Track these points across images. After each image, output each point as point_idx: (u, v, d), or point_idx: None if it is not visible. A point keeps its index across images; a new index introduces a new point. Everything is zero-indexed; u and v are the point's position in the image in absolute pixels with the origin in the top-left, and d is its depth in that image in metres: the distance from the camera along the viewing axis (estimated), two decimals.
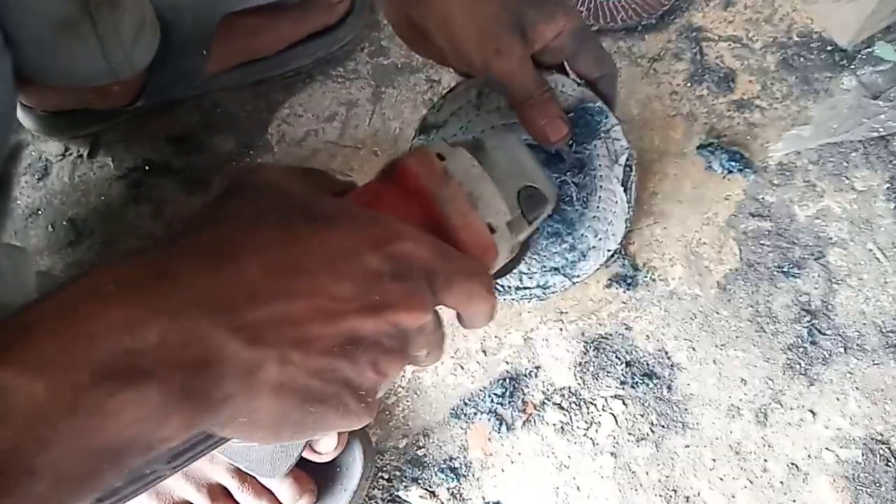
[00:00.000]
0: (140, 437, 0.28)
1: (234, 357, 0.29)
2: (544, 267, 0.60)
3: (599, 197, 0.59)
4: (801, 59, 0.78)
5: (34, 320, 0.27)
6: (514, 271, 0.58)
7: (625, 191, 0.58)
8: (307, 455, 0.62)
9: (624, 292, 0.70)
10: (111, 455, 0.27)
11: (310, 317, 0.31)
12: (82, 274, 0.29)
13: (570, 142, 0.58)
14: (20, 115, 0.82)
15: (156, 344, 0.28)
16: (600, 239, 0.59)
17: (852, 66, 0.76)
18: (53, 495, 0.27)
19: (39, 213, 0.83)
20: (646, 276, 0.70)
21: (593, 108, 0.58)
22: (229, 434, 0.32)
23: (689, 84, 0.78)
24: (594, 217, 0.59)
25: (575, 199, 0.58)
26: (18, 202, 0.84)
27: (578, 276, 0.60)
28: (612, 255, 0.61)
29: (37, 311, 0.28)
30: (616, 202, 0.58)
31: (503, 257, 0.42)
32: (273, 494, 0.62)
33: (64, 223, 0.82)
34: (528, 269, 0.60)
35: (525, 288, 0.61)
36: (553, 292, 0.61)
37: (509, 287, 0.61)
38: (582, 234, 0.59)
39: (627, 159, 0.58)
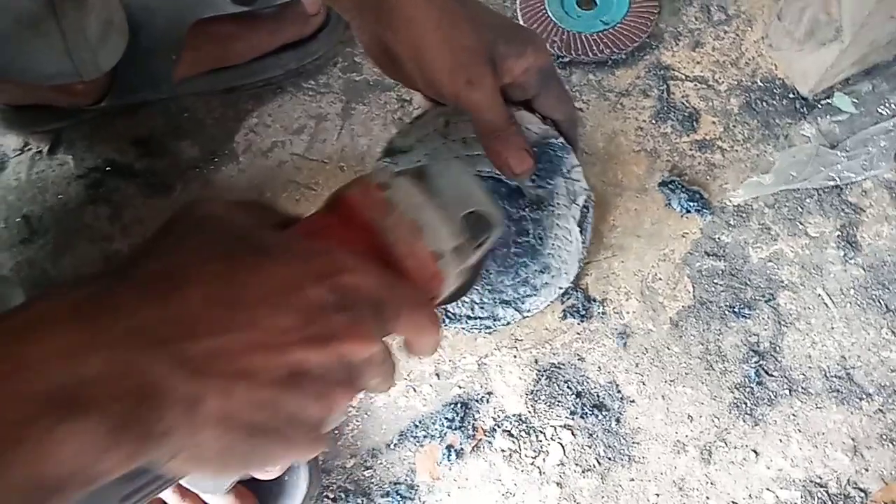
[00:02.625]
0: (81, 469, 0.27)
1: (176, 389, 0.29)
2: (496, 299, 0.61)
3: (555, 235, 0.59)
4: (764, 104, 0.80)
5: None
6: (466, 300, 0.59)
7: (581, 231, 0.59)
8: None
9: (578, 323, 0.71)
10: (51, 489, 0.27)
11: (253, 349, 0.31)
12: (27, 303, 0.29)
13: (532, 178, 0.58)
14: None
15: (96, 375, 0.27)
16: (553, 276, 0.60)
17: (812, 115, 0.78)
18: None
19: None
20: (599, 309, 0.71)
21: (556, 144, 0.59)
22: (175, 468, 0.32)
23: (654, 121, 0.79)
24: (549, 254, 0.60)
25: (531, 234, 0.59)
26: None
27: (529, 310, 0.61)
28: (564, 293, 0.62)
29: None
30: (571, 241, 0.59)
31: (451, 283, 0.43)
32: None
33: (17, 220, 0.80)
34: (480, 300, 0.61)
35: (476, 318, 0.62)
36: (503, 324, 0.62)
37: (460, 316, 0.62)
38: (535, 270, 0.60)
39: (585, 201, 0.59)
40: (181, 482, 0.59)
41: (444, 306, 0.61)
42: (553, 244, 0.60)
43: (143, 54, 0.76)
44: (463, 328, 0.63)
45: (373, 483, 0.67)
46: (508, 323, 0.62)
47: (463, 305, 0.61)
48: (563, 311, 0.71)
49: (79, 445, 0.27)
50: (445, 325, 0.63)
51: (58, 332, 0.28)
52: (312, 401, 0.33)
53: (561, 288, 0.61)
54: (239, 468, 0.33)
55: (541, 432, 0.68)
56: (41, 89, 0.77)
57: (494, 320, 0.62)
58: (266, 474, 0.62)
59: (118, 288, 0.30)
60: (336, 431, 0.69)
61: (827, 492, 0.65)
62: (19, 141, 0.84)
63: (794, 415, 0.67)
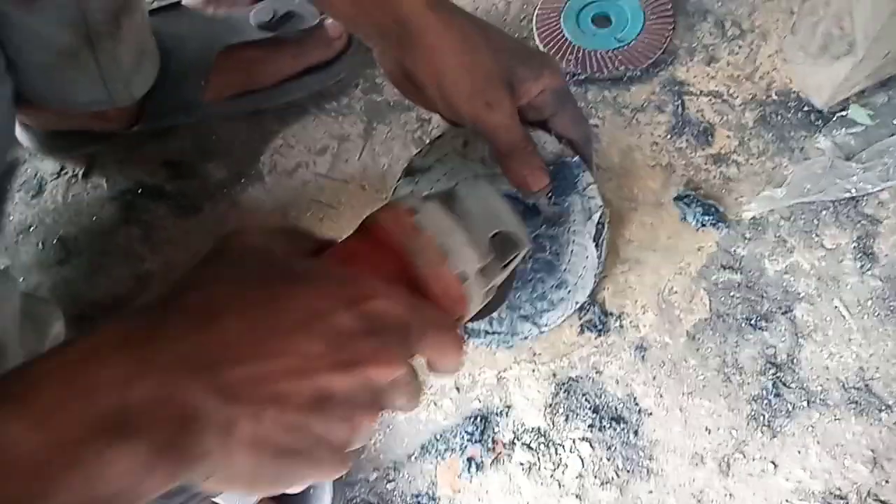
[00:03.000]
0: (127, 488, 0.30)
1: (212, 414, 0.31)
2: (514, 315, 0.62)
3: (571, 251, 0.61)
4: (779, 118, 0.80)
5: (37, 376, 0.30)
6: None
7: (596, 247, 0.60)
8: None
9: (596, 337, 0.72)
10: None
11: (283, 375, 0.33)
12: (81, 336, 0.32)
13: (549, 195, 0.60)
14: (18, 132, 0.84)
15: (143, 401, 0.30)
16: (569, 291, 0.61)
17: (827, 127, 0.79)
18: None
19: (31, 229, 0.85)
20: (616, 323, 0.72)
21: (571, 162, 0.60)
22: (210, 487, 0.34)
23: (669, 136, 0.81)
24: (565, 269, 0.61)
25: (548, 250, 0.61)
26: (11, 218, 0.86)
27: (546, 324, 0.62)
28: (581, 307, 0.63)
29: (40, 367, 0.30)
30: (587, 257, 0.61)
31: (476, 303, 0.44)
32: None
33: (54, 241, 0.84)
34: (499, 315, 0.62)
35: (494, 333, 0.63)
36: (521, 339, 0.63)
37: (479, 331, 0.63)
38: (552, 286, 0.61)
39: (601, 217, 0.61)
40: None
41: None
42: (569, 260, 0.62)
43: (173, 80, 0.80)
44: (482, 343, 0.64)
45: (395, 496, 0.69)
46: (526, 338, 0.64)
47: (482, 321, 0.63)
48: (581, 325, 0.72)
49: (126, 467, 0.29)
50: (464, 341, 0.65)
51: (109, 361, 0.30)
52: (338, 423, 0.35)
53: (577, 302, 0.62)
54: (268, 487, 0.35)
55: (559, 445, 0.69)
56: (77, 116, 0.81)
57: (513, 335, 0.63)
58: (291, 488, 0.65)
59: (164, 318, 0.33)
60: (361, 449, 0.71)
61: (847, 503, 0.65)
62: (56, 165, 0.88)
63: (812, 426, 0.68)
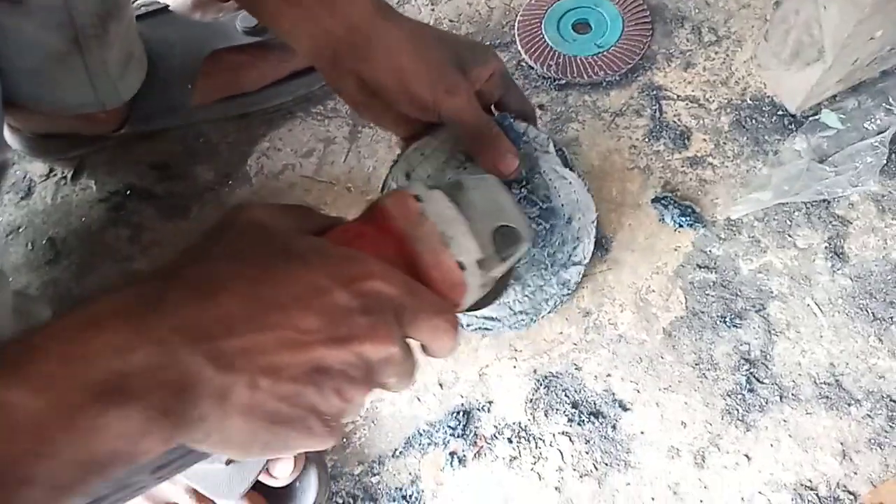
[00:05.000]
0: (124, 450, 0.31)
1: (209, 382, 0.33)
2: (553, 269, 0.63)
3: (556, 186, 0.63)
4: (753, 122, 0.83)
5: (39, 343, 0.31)
6: (530, 284, 0.62)
7: (571, 169, 0.63)
8: (263, 479, 0.64)
9: (575, 333, 0.74)
10: (98, 466, 0.31)
11: (279, 347, 0.35)
12: (82, 303, 0.33)
13: (546, 196, 0.62)
14: (7, 135, 0.85)
15: (141, 367, 0.31)
16: (580, 218, 0.63)
17: (801, 131, 0.81)
18: (46, 502, 0.30)
19: (20, 230, 0.86)
20: (595, 320, 0.74)
21: (507, 124, 0.62)
22: (205, 449, 0.36)
23: (647, 139, 0.83)
24: (563, 204, 0.63)
25: (538, 199, 0.62)
26: (0, 219, 0.87)
27: (583, 261, 0.64)
28: (566, 299, 0.65)
29: (42, 335, 0.31)
30: (570, 182, 0.63)
31: (474, 293, 0.45)
32: None
33: (43, 242, 0.85)
34: (541, 276, 0.63)
35: (551, 296, 0.64)
36: (574, 284, 0.64)
37: (539, 302, 0.64)
38: (563, 223, 0.63)
39: (554, 145, 0.64)
40: (198, 488, 0.63)
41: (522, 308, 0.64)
42: (560, 194, 0.63)
43: (161, 84, 0.81)
44: (549, 314, 0.64)
45: (379, 489, 0.70)
46: (577, 283, 0.64)
47: (524, 293, 0.63)
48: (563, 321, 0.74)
49: (123, 429, 0.30)
50: (531, 322, 0.64)
51: (109, 329, 0.31)
52: (331, 395, 0.36)
53: (593, 223, 0.63)
54: (260, 452, 0.36)
55: (540, 439, 0.71)
56: (66, 118, 0.82)
57: (563, 286, 0.63)
58: (277, 481, 0.66)
59: (165, 288, 0.34)
60: (344, 440, 0.72)
61: (817, 495, 0.67)
62: (45, 167, 0.89)
63: (784, 420, 0.70)
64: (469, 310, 0.47)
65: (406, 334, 0.39)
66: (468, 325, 0.64)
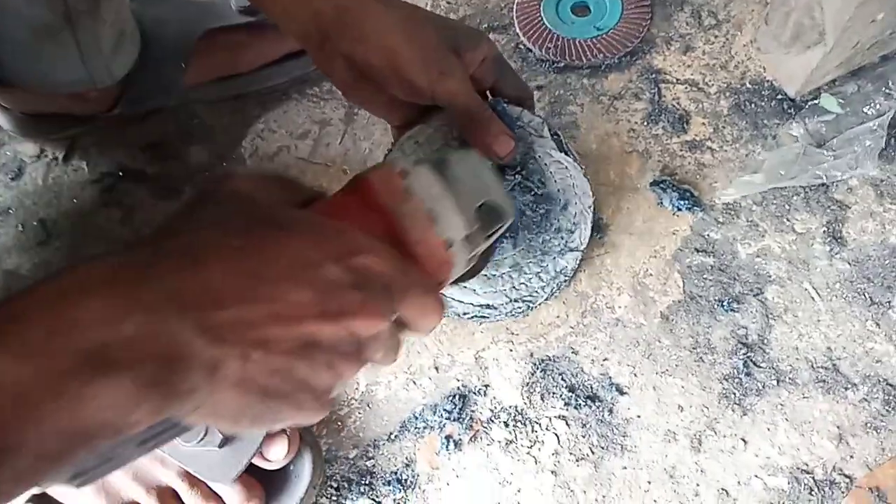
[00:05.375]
0: (112, 420, 0.30)
1: (200, 354, 0.32)
2: (549, 257, 0.63)
3: (551, 172, 0.63)
4: (752, 106, 0.82)
5: (23, 309, 0.30)
6: (528, 273, 0.61)
7: (567, 154, 0.62)
8: (257, 461, 0.64)
9: (572, 317, 0.73)
10: (85, 436, 0.30)
11: (271, 320, 0.34)
12: (68, 269, 0.32)
13: (541, 181, 0.62)
14: None
15: (130, 337, 0.30)
16: (576, 203, 0.63)
17: (800, 115, 0.81)
18: (31, 471, 0.29)
19: (10, 211, 0.85)
20: (592, 303, 0.74)
21: (503, 109, 0.61)
22: (193, 422, 0.35)
23: (646, 123, 0.82)
24: (559, 189, 0.63)
25: (534, 185, 0.62)
26: None
27: (581, 245, 0.63)
28: (563, 286, 0.64)
29: (26, 300, 0.31)
30: (566, 167, 0.63)
31: (459, 269, 0.45)
32: (221, 499, 0.64)
33: (34, 223, 0.84)
34: (539, 264, 0.63)
35: (548, 283, 0.63)
36: (571, 270, 0.64)
37: (535, 290, 0.63)
38: (559, 209, 0.63)
39: (549, 129, 0.63)
40: (191, 471, 0.62)
41: (522, 296, 0.63)
42: (555, 179, 0.63)
43: (154, 63, 0.80)
44: (546, 301, 0.64)
45: (375, 472, 0.70)
46: (574, 269, 0.63)
47: (520, 280, 0.62)
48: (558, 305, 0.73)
49: (111, 399, 0.30)
50: (528, 309, 0.64)
51: (97, 296, 0.31)
52: (322, 369, 0.36)
53: (590, 208, 0.63)
54: (251, 425, 0.36)
55: (536, 423, 0.70)
56: (56, 98, 0.81)
57: (560, 272, 0.63)
58: (271, 464, 0.66)
59: (151, 257, 0.33)
60: (339, 423, 0.71)
61: (813, 478, 0.67)
62: (35, 148, 0.88)
63: (781, 404, 0.69)
64: (452, 284, 0.47)
65: (393, 311, 0.39)
66: (464, 314, 0.64)
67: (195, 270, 0.33)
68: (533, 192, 0.63)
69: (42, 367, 0.29)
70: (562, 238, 0.63)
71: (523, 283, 0.62)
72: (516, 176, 0.63)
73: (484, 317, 0.63)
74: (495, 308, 0.63)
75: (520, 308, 0.63)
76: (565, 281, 0.64)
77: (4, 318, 0.30)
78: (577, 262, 0.65)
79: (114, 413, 0.30)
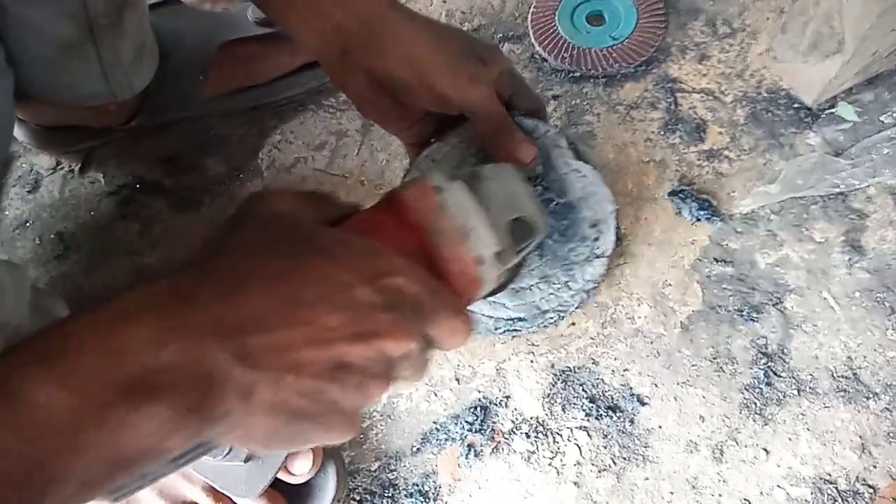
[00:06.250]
0: (152, 447, 0.31)
1: (236, 379, 0.32)
2: (577, 265, 0.62)
3: (570, 181, 0.63)
4: (769, 115, 0.82)
5: (69, 338, 0.31)
6: (556, 282, 0.61)
7: (585, 162, 0.62)
8: (282, 476, 0.64)
9: (592, 327, 0.73)
10: (127, 463, 0.31)
11: (304, 344, 0.34)
12: (115, 297, 0.33)
13: (562, 191, 0.62)
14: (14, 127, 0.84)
15: (170, 363, 0.31)
16: (599, 209, 0.63)
17: (816, 124, 0.81)
18: (75, 498, 0.30)
19: (28, 224, 0.85)
20: (612, 314, 0.74)
21: (521, 122, 0.61)
22: (226, 443, 0.36)
23: (662, 132, 0.82)
24: (579, 198, 0.62)
25: (555, 196, 0.62)
26: (7, 213, 0.86)
27: (605, 252, 0.63)
28: (593, 294, 0.64)
29: (71, 328, 0.31)
30: (584, 175, 0.63)
31: (489, 286, 0.45)
32: None
33: (52, 236, 0.84)
34: (567, 273, 0.62)
35: (578, 290, 0.63)
36: (601, 277, 0.63)
37: (566, 301, 0.63)
38: (581, 218, 0.62)
39: (566, 139, 0.63)
40: (216, 486, 0.62)
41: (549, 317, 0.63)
42: (575, 188, 0.63)
43: (173, 75, 0.80)
44: (578, 308, 0.64)
45: (397, 485, 0.70)
46: (602, 276, 0.63)
47: (549, 290, 0.62)
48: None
49: (152, 428, 0.30)
50: (559, 319, 0.64)
51: (140, 324, 0.31)
52: (352, 391, 0.36)
53: (612, 212, 0.63)
54: (282, 447, 0.36)
55: (557, 434, 0.70)
56: (74, 110, 0.81)
57: (590, 280, 0.63)
58: (296, 478, 0.66)
59: (190, 283, 0.34)
60: (361, 436, 0.72)
61: (836, 488, 0.67)
62: (52, 160, 0.88)
63: (802, 414, 0.69)
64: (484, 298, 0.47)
65: (423, 331, 0.39)
66: (496, 329, 0.64)
67: (233, 296, 0.34)
68: (555, 202, 0.63)
69: (87, 398, 0.29)
70: (587, 246, 0.63)
71: (552, 294, 0.62)
72: (537, 187, 0.63)
73: (516, 330, 0.63)
74: (526, 321, 0.63)
75: (552, 318, 0.63)
76: (595, 288, 0.64)
77: (50, 347, 0.30)
78: (605, 268, 0.65)
79: (153, 440, 0.31)
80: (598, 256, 0.63)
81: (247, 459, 0.61)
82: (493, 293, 0.49)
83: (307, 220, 0.39)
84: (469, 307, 0.44)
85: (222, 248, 0.37)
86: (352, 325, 0.35)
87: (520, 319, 0.62)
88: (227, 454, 0.60)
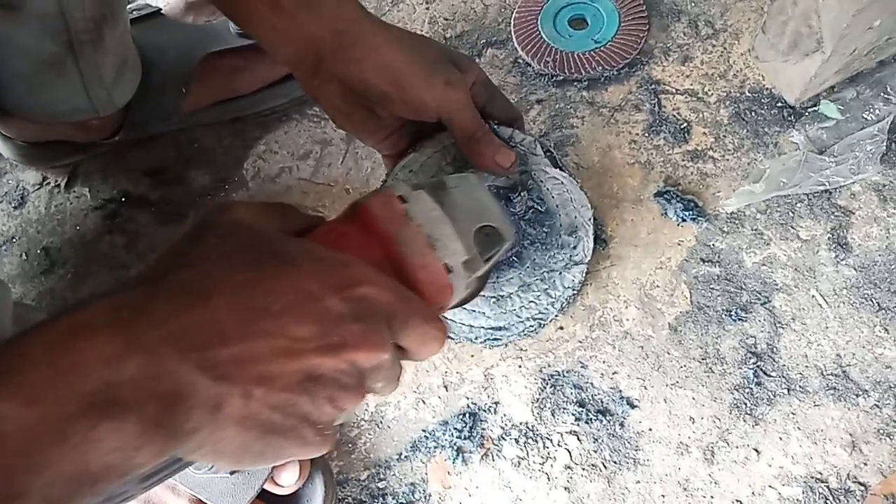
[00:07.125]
0: (117, 463, 0.30)
1: (202, 392, 0.32)
2: (555, 274, 0.63)
3: (548, 188, 0.64)
4: (753, 114, 0.82)
5: (26, 352, 0.30)
6: (535, 289, 0.61)
7: (561, 169, 0.63)
8: (269, 487, 0.64)
9: (580, 331, 0.73)
10: (91, 480, 0.30)
11: (272, 356, 0.34)
12: (69, 309, 0.31)
13: (539, 199, 0.62)
14: None
15: (132, 378, 0.30)
16: (575, 216, 0.63)
17: (800, 122, 0.81)
18: None
19: (14, 240, 0.85)
20: (599, 317, 0.74)
21: (497, 129, 0.62)
22: (196, 459, 0.35)
23: (647, 134, 0.82)
24: (557, 205, 0.63)
25: (534, 203, 0.62)
26: None
27: (585, 259, 0.63)
28: (571, 300, 0.64)
29: (28, 343, 0.30)
30: (562, 182, 0.63)
31: (459, 294, 0.45)
32: None
33: (38, 252, 0.84)
34: (546, 284, 0.63)
35: (557, 298, 0.63)
36: (579, 283, 0.64)
37: (546, 309, 0.63)
38: (558, 224, 0.63)
39: (542, 147, 0.63)
40: (202, 498, 0.62)
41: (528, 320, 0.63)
42: (553, 195, 0.63)
43: (155, 89, 0.80)
44: (556, 317, 0.65)
45: (386, 493, 0.69)
46: (580, 283, 0.64)
47: (529, 298, 0.63)
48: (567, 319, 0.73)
49: (116, 443, 0.30)
50: (539, 327, 0.65)
51: (98, 338, 0.30)
52: (324, 403, 0.35)
53: (590, 219, 0.63)
54: (253, 462, 0.35)
55: (547, 439, 0.70)
56: (58, 126, 0.81)
57: (568, 288, 0.63)
58: (283, 489, 0.65)
59: (152, 295, 0.33)
60: (350, 445, 0.71)
61: (828, 487, 0.67)
62: (38, 176, 0.88)
63: (792, 413, 0.69)
64: (453, 308, 0.47)
65: (395, 340, 0.39)
66: (476, 339, 0.64)
67: (197, 307, 0.33)
68: (533, 210, 0.63)
69: (46, 413, 0.29)
70: (565, 252, 0.64)
71: (532, 302, 0.62)
72: (515, 195, 0.63)
73: (496, 339, 0.63)
74: (507, 329, 0.63)
75: (532, 327, 0.63)
76: (573, 294, 0.64)
77: (7, 362, 0.30)
78: (584, 275, 0.65)
79: (119, 456, 0.30)
80: (576, 263, 0.63)
81: (233, 471, 0.61)
82: (461, 303, 0.49)
83: (271, 231, 0.38)
84: (444, 315, 0.44)
85: (182, 259, 0.35)
86: (321, 337, 0.35)
87: (500, 328, 0.62)
88: (213, 466, 0.60)
